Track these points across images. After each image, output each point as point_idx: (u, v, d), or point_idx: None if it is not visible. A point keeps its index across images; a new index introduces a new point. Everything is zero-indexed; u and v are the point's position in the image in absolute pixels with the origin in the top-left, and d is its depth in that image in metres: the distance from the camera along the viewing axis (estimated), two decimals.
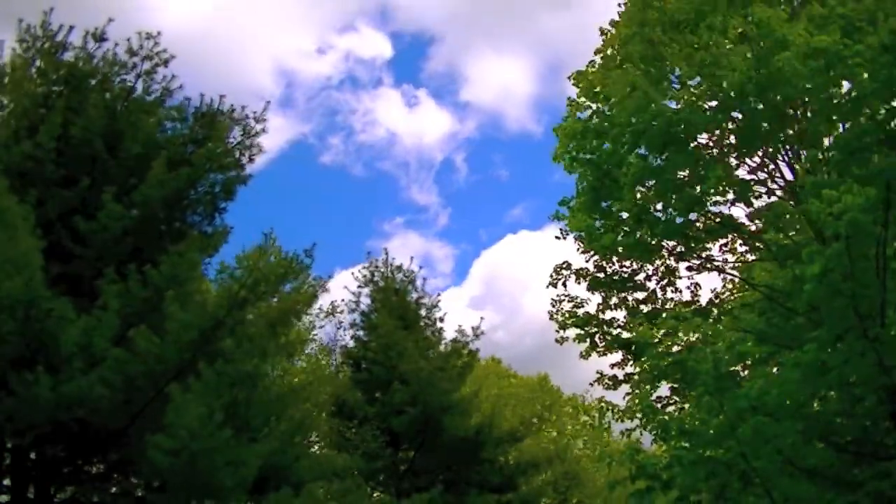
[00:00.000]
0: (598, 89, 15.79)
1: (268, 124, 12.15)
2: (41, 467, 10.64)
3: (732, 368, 13.09)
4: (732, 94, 13.66)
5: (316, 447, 19.93)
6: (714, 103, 14.23)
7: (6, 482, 10.73)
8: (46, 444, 9.73)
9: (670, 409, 16.42)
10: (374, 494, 19.73)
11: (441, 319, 22.12)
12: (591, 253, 16.60)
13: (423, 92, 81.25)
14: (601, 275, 16.76)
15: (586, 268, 16.84)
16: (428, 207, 74.82)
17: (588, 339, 17.06)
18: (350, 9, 77.47)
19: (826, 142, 14.15)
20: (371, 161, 74.65)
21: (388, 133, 77.24)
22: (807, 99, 13.52)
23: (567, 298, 17.25)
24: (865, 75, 11.38)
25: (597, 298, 17.02)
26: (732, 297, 17.03)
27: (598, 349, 17.13)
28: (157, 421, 9.84)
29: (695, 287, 16.92)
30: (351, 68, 76.97)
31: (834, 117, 13.27)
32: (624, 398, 16.56)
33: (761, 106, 13.64)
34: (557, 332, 17.25)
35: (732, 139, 14.86)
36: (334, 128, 76.26)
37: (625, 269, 16.75)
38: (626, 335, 16.54)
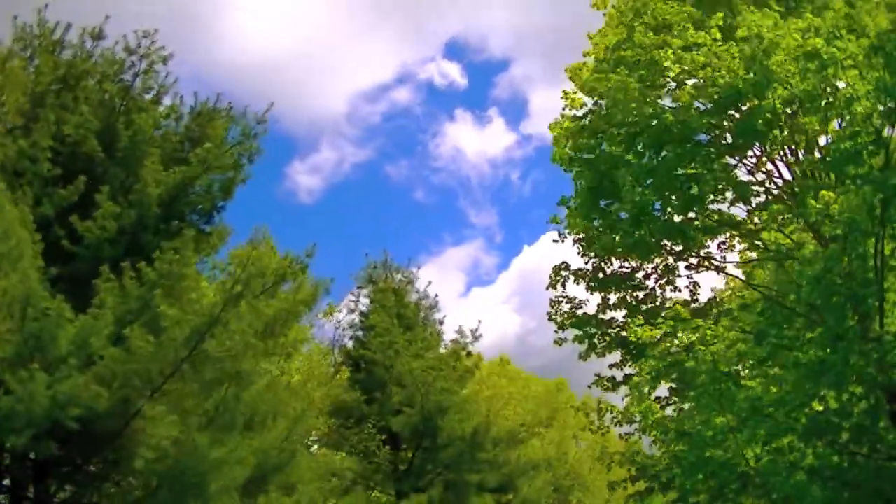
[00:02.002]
0: (592, 87, 15.80)
1: (266, 126, 12.10)
2: (40, 467, 10.64)
3: (732, 369, 13.08)
4: (726, 94, 13.69)
5: (314, 447, 19.96)
6: (710, 105, 14.26)
7: (6, 482, 10.74)
8: (44, 444, 9.70)
9: (669, 409, 16.40)
10: (373, 494, 19.74)
11: (441, 322, 22.18)
12: (591, 255, 16.60)
13: (490, 119, 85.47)
14: (600, 275, 16.76)
15: (585, 269, 16.84)
16: (483, 222, 78.40)
17: (587, 340, 17.05)
18: (429, 41, 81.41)
19: (822, 140, 14.17)
20: (436, 181, 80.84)
21: (454, 152, 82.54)
22: (800, 99, 13.54)
23: (566, 299, 17.28)
24: (857, 77, 11.40)
25: (596, 299, 17.05)
26: (731, 297, 17.02)
27: (597, 350, 17.12)
28: (153, 420, 9.86)
29: (694, 286, 16.93)
30: (426, 96, 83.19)
31: (828, 115, 13.29)
32: (623, 399, 16.55)
33: (756, 104, 13.66)
34: (556, 332, 17.27)
35: (729, 138, 14.87)
36: (406, 151, 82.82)
37: (624, 268, 16.75)
38: (625, 335, 16.53)
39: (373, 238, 76.42)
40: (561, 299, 17.21)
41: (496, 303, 70.01)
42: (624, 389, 16.78)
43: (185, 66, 72.08)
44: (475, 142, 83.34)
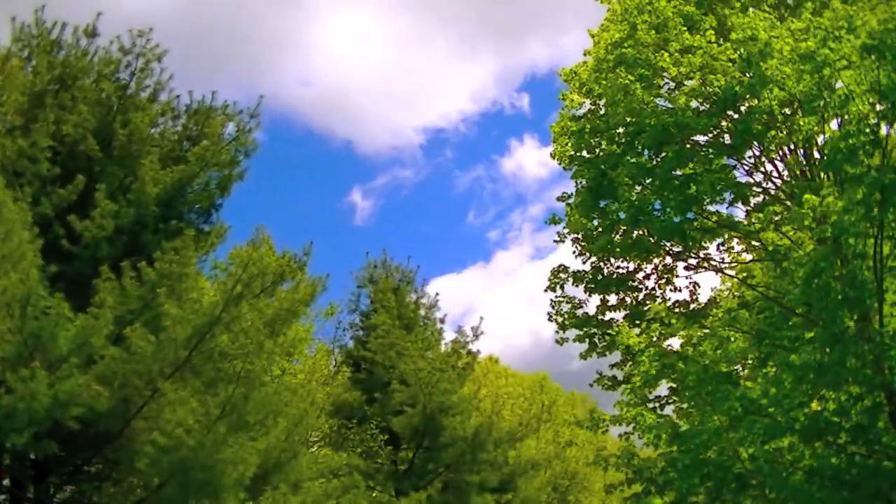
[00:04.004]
0: (591, 88, 15.84)
1: (260, 120, 12.12)
2: (40, 467, 10.63)
3: (730, 369, 13.08)
4: (724, 96, 13.74)
5: (315, 446, 19.95)
6: (707, 106, 14.31)
7: (6, 482, 10.74)
8: (44, 443, 9.70)
9: (669, 408, 16.42)
10: (374, 494, 19.72)
11: (442, 320, 22.21)
12: (589, 255, 16.63)
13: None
14: (599, 276, 16.79)
15: (584, 270, 16.87)
16: (531, 232, 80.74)
17: (587, 340, 17.10)
18: (502, 72, 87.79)
19: (820, 140, 14.21)
20: (493, 199, 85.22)
21: (517, 169, 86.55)
22: (798, 100, 13.58)
23: (566, 300, 17.33)
24: (853, 77, 11.43)
25: (595, 300, 17.08)
26: (731, 297, 17.03)
27: (598, 350, 17.16)
28: (154, 419, 9.86)
29: (694, 287, 16.95)
30: (494, 123, 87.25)
31: (825, 115, 13.33)
32: (614, 406, 16.54)
33: (754, 105, 13.71)
34: (557, 332, 17.32)
35: (727, 139, 14.91)
36: (467, 171, 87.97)
37: (622, 269, 16.78)
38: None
39: (422, 252, 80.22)
40: (561, 299, 17.27)
41: (530, 304, 71.37)
42: (623, 388, 16.77)
43: (271, 90, 78.39)
44: (535, 163, 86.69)
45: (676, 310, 16.26)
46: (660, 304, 16.56)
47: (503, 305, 72.73)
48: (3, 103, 10.36)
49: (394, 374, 19.53)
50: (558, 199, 16.82)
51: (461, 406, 19.60)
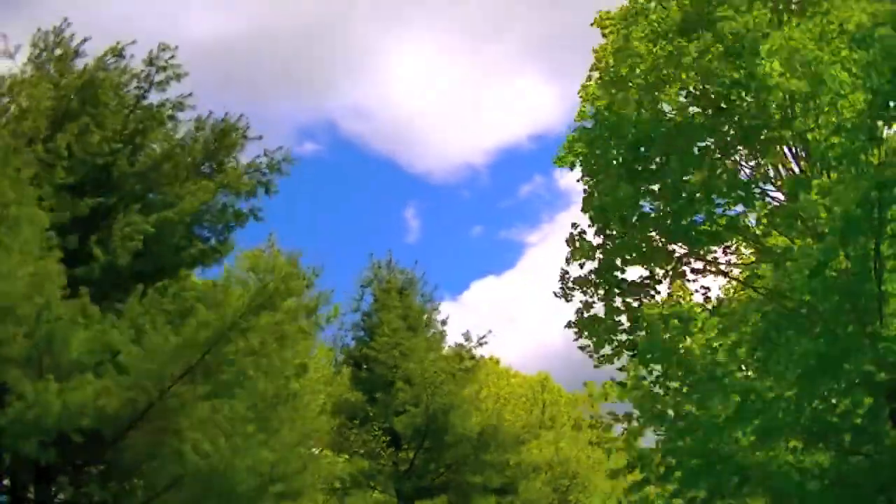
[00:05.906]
0: (598, 103, 15.98)
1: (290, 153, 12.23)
2: (41, 468, 10.62)
3: (731, 368, 13.14)
4: (725, 101, 13.86)
5: (317, 447, 19.93)
6: (709, 111, 14.45)
7: (6, 482, 10.75)
8: (49, 451, 9.70)
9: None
10: (374, 494, 19.77)
11: (443, 322, 22.27)
12: (600, 258, 16.57)
13: None
14: (609, 279, 16.77)
15: (591, 278, 16.87)
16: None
17: (605, 345, 17.06)
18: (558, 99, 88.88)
19: (818, 139, 14.30)
20: (546, 203, 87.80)
21: (567, 182, 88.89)
22: (795, 101, 13.70)
23: (580, 286, 17.27)
24: (848, 76, 11.51)
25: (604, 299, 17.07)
26: (737, 300, 17.06)
27: (608, 354, 17.16)
28: (162, 421, 9.88)
29: (705, 291, 16.98)
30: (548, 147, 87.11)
31: (820, 116, 13.42)
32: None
33: (752, 108, 13.83)
34: (575, 340, 17.26)
35: (729, 141, 15.03)
36: (522, 184, 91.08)
37: (632, 275, 16.75)
38: (632, 338, 16.50)
39: (463, 256, 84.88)
40: (574, 287, 17.17)
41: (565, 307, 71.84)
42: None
43: (333, 113, 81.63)
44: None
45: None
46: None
47: (538, 308, 73.58)
48: (27, 116, 10.39)
49: (397, 373, 19.55)
50: (573, 225, 16.79)
51: (465, 407, 19.64)
